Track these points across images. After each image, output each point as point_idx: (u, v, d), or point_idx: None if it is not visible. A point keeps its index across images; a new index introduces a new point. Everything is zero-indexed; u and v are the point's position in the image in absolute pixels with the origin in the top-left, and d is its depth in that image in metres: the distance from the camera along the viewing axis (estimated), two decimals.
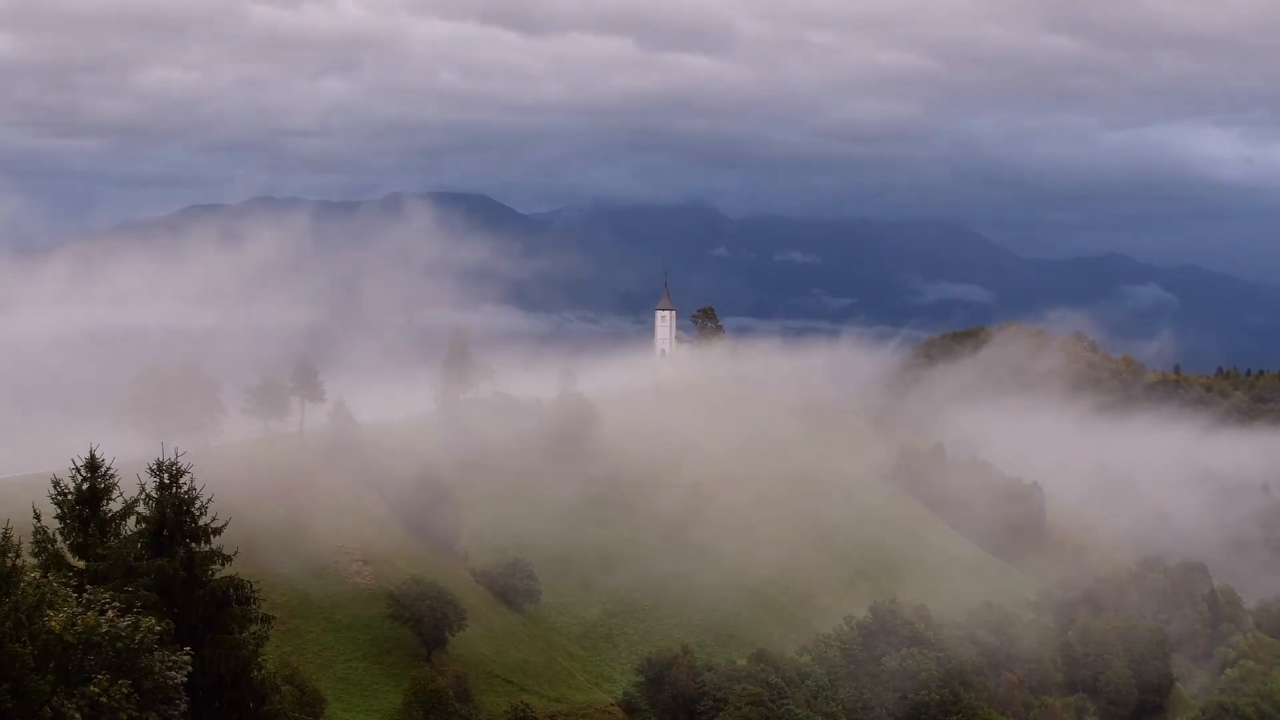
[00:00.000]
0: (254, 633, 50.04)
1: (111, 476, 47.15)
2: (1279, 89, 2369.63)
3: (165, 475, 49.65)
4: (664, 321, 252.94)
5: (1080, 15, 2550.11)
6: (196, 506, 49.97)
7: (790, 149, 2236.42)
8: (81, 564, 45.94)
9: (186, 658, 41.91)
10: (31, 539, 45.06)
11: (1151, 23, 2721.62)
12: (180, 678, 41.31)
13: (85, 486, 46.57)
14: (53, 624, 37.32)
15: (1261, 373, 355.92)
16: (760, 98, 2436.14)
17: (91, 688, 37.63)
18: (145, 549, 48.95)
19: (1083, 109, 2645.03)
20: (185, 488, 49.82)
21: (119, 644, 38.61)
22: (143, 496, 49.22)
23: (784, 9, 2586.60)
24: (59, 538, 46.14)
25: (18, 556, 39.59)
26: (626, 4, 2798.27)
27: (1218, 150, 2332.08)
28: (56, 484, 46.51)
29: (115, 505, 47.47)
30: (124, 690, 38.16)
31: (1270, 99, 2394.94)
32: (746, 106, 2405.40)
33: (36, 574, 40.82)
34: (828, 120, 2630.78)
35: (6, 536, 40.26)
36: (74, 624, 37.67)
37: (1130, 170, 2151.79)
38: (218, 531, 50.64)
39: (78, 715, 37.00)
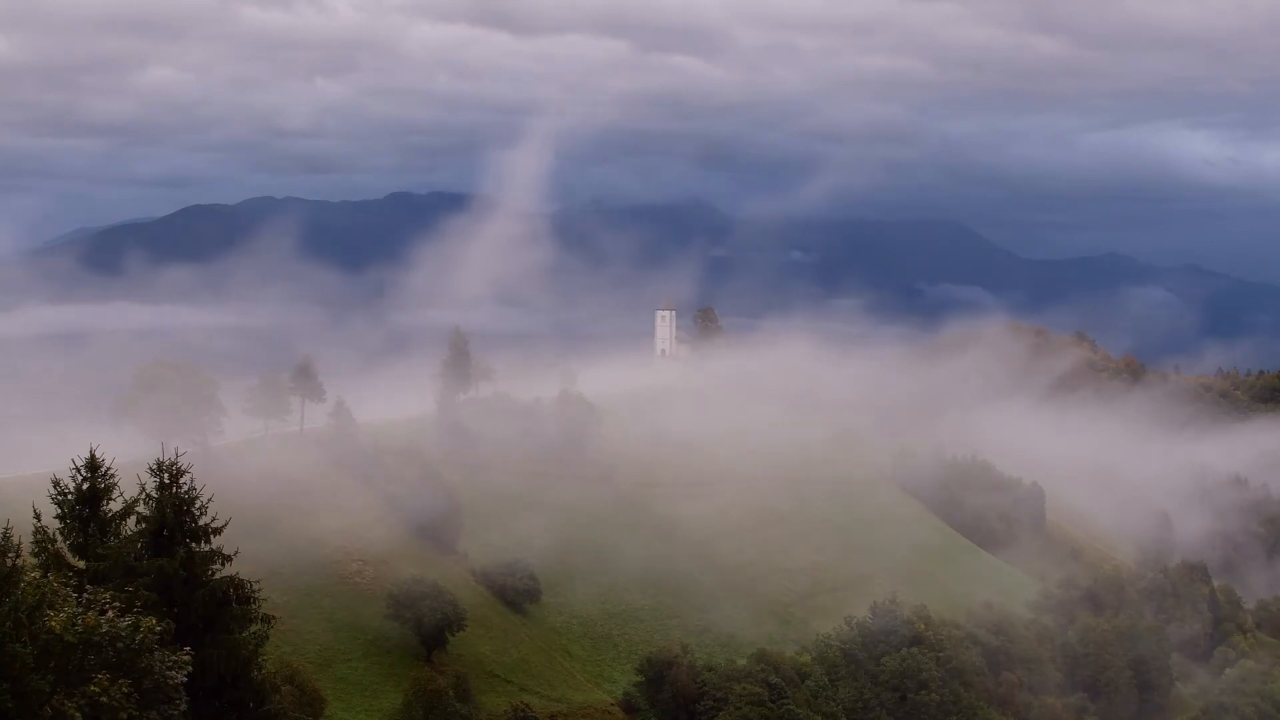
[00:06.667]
0: (254, 633, 49.95)
1: (111, 476, 47.05)
2: (1263, 90, 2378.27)
3: (165, 475, 49.56)
4: (664, 321, 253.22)
5: (1066, 17, 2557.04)
6: (196, 506, 49.90)
7: (787, 150, 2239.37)
8: (81, 564, 45.87)
9: (186, 658, 41.85)
10: (31, 539, 45.00)
11: (1138, 24, 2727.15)
12: (180, 678, 41.24)
13: (85, 486, 46.48)
14: (53, 624, 37.29)
15: (1262, 373, 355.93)
16: (754, 99, 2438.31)
17: (91, 688, 37.59)
18: (145, 549, 48.88)
19: (1070, 110, 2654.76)
20: (185, 488, 49.75)
21: (119, 644, 38.58)
22: (143, 496, 49.14)
23: (775, 13, 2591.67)
24: (59, 538, 46.05)
25: (18, 556, 39.56)
26: (623, 8, 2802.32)
27: (1205, 150, 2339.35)
28: (56, 484, 46.40)
29: (115, 505, 47.37)
30: (124, 690, 38.13)
31: (1258, 100, 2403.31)
32: (742, 108, 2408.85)
33: (36, 574, 40.75)
34: (822, 121, 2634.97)
35: (6, 536, 40.25)
36: (74, 624, 37.64)
37: (1121, 171, 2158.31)
38: (218, 531, 50.57)
39: (78, 715, 36.97)
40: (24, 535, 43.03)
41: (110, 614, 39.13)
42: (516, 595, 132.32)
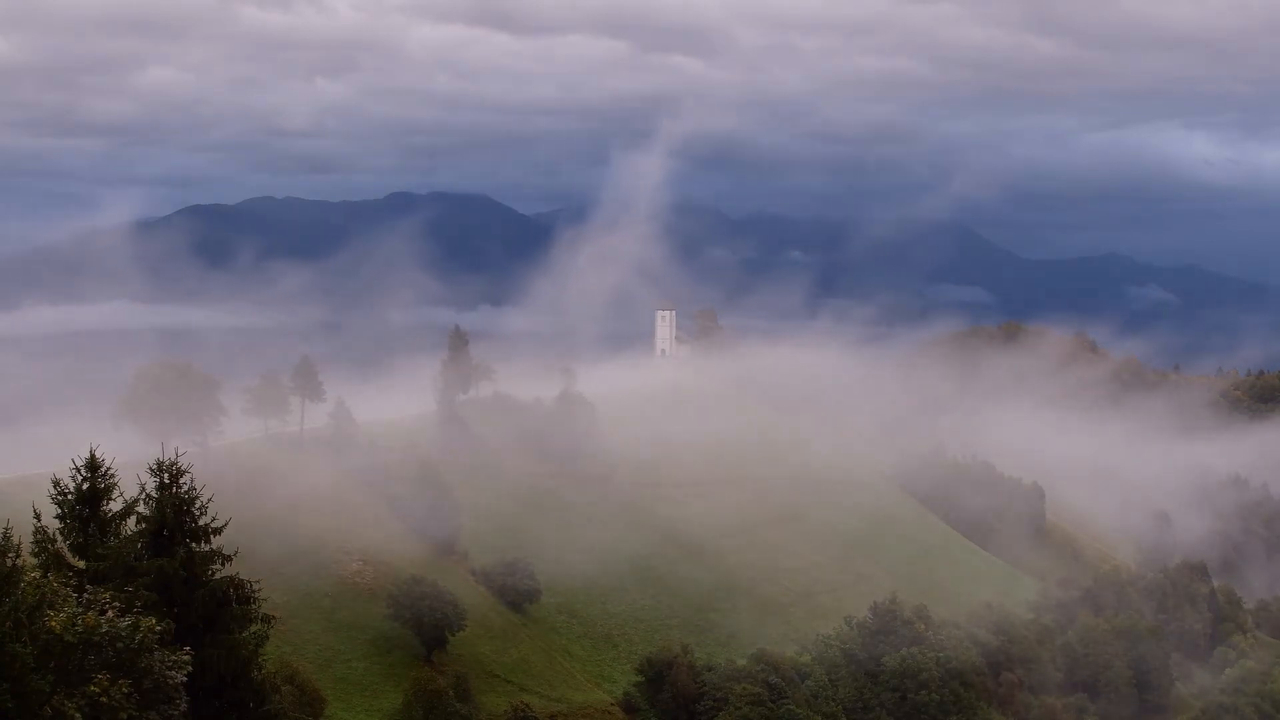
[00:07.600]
0: (254, 633, 49.85)
1: (111, 476, 46.94)
2: (1263, 90, 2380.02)
3: (165, 475, 49.47)
4: (664, 321, 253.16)
5: (1066, 17, 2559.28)
6: (196, 506, 49.82)
7: (787, 150, 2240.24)
8: (81, 564, 45.81)
9: (186, 658, 41.84)
10: (31, 539, 44.94)
11: (1138, 24, 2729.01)
12: (180, 678, 41.23)
13: (85, 486, 46.38)
14: (53, 624, 37.27)
15: (1262, 373, 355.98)
16: (754, 99, 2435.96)
17: (91, 688, 37.57)
18: (145, 549, 48.82)
19: (1070, 110, 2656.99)
20: (185, 488, 49.68)
21: (119, 644, 38.55)
22: (143, 496, 49.06)
23: (775, 13, 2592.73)
24: (59, 538, 45.97)
25: (18, 556, 39.53)
26: (623, 8, 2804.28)
27: (1205, 150, 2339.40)
28: (56, 484, 46.29)
29: (115, 505, 47.26)
30: (124, 690, 38.12)
31: (1257, 100, 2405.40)
32: (742, 108, 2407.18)
33: (36, 574, 40.71)
34: (822, 121, 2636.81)
35: (6, 536, 40.21)
36: (74, 624, 37.62)
37: (1121, 171, 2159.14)
38: (218, 531, 50.49)
39: (78, 715, 36.95)
40: (24, 535, 43.01)
41: (110, 614, 39.11)
42: (516, 595, 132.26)
